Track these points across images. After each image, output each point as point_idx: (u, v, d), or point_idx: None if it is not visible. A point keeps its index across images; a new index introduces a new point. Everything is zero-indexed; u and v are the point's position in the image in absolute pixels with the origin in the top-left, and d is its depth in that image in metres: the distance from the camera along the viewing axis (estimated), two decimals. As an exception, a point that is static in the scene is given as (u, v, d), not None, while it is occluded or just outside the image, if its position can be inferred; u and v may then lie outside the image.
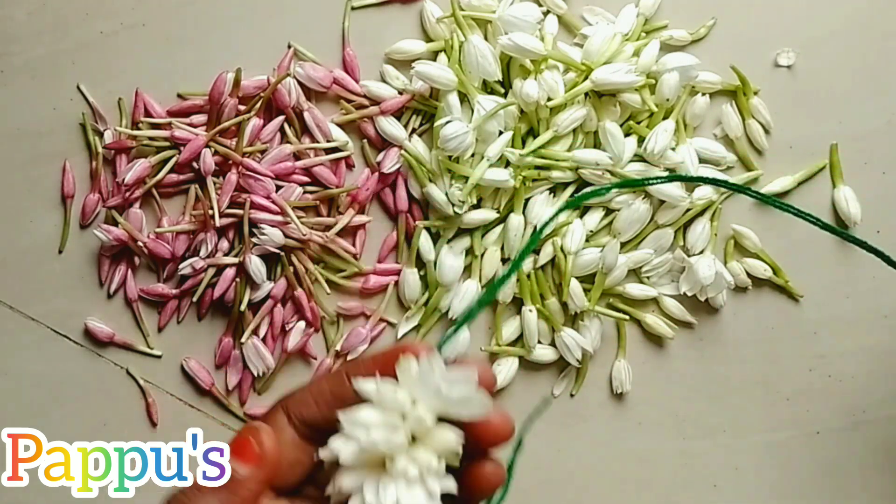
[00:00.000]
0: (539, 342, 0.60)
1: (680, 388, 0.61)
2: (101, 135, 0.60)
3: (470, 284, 0.59)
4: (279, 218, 0.57)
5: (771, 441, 0.61)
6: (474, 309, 0.41)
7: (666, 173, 0.59)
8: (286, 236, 0.58)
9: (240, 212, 0.57)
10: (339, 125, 0.60)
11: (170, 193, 0.60)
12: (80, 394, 0.60)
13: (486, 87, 0.59)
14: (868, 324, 0.61)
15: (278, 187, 0.59)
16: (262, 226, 0.57)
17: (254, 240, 0.58)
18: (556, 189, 0.59)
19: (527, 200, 0.58)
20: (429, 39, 0.60)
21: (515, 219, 0.58)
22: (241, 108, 0.59)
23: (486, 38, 0.58)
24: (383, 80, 0.60)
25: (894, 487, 0.61)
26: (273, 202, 0.58)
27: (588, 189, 0.58)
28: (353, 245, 0.60)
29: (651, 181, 0.55)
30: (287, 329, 0.60)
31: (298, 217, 0.58)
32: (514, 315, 0.60)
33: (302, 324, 0.60)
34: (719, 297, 0.60)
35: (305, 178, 0.59)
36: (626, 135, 0.58)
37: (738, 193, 0.60)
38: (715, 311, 0.61)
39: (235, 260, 0.58)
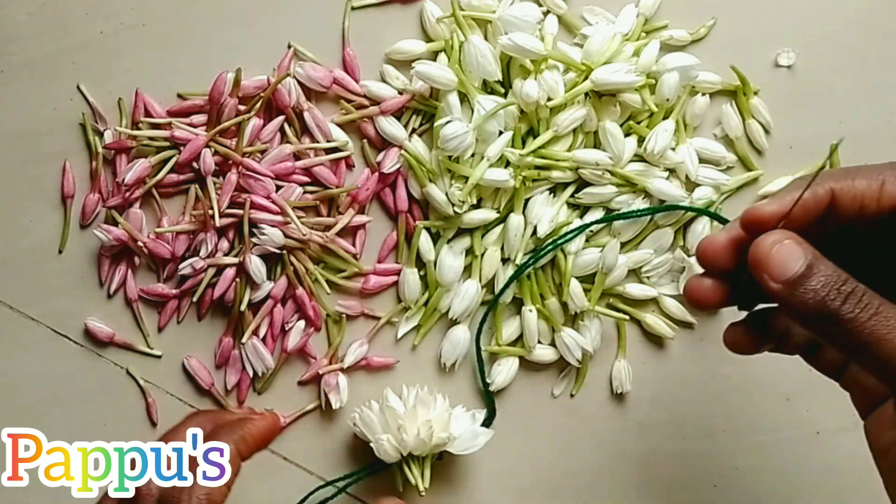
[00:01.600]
0: (539, 342, 0.60)
1: (680, 388, 0.61)
2: (101, 135, 0.60)
3: (470, 284, 0.59)
4: (279, 218, 0.57)
5: (771, 441, 0.61)
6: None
7: (665, 174, 0.59)
8: (286, 236, 0.58)
9: (240, 212, 0.57)
10: (339, 125, 0.60)
11: (170, 193, 0.60)
12: (80, 394, 0.60)
13: (486, 87, 0.59)
14: (868, 324, 0.61)
15: (278, 187, 0.59)
16: (262, 226, 0.57)
17: (254, 240, 0.58)
18: (556, 189, 0.59)
19: (527, 200, 0.58)
20: (429, 39, 0.60)
21: (515, 219, 0.58)
22: (241, 108, 0.59)
23: (486, 38, 0.58)
24: (383, 80, 0.60)
25: (894, 487, 0.61)
26: (273, 202, 0.58)
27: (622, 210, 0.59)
28: (353, 245, 0.60)
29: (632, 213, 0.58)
30: (287, 329, 0.60)
31: (298, 217, 0.58)
32: (514, 315, 0.60)
33: (301, 323, 0.60)
34: (719, 297, 0.60)
35: (305, 178, 0.59)
36: (626, 135, 0.58)
37: (737, 193, 0.60)
38: (715, 311, 0.61)
39: (235, 260, 0.58)
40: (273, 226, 0.57)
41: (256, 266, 0.58)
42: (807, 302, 0.36)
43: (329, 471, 0.60)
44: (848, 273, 0.37)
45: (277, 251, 0.58)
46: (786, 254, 0.37)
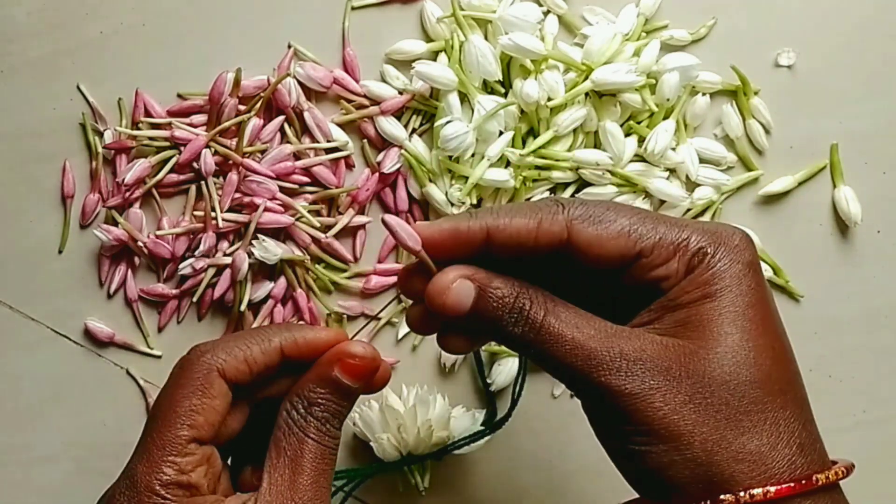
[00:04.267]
0: (539, 342, 0.59)
1: (680, 388, 0.61)
2: (101, 135, 0.60)
3: (470, 284, 0.59)
4: (285, 219, 0.57)
5: (771, 441, 0.60)
6: None
7: (666, 174, 0.59)
8: (289, 238, 0.58)
9: (242, 218, 0.57)
10: (339, 125, 0.60)
11: (170, 193, 0.60)
12: (80, 394, 0.60)
13: (487, 87, 0.59)
14: (868, 324, 0.61)
15: (279, 188, 0.59)
16: (262, 237, 0.57)
17: (253, 249, 0.57)
18: (556, 189, 0.59)
19: (527, 200, 0.58)
20: (429, 39, 0.59)
21: (515, 219, 0.58)
22: (241, 108, 0.59)
23: (486, 38, 0.58)
24: (383, 80, 0.60)
25: (894, 487, 0.61)
26: (281, 203, 0.58)
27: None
28: (354, 245, 0.60)
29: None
30: (287, 329, 0.60)
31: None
32: (514, 315, 0.60)
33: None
34: (719, 297, 0.60)
35: (305, 178, 0.59)
36: (627, 135, 0.58)
37: (737, 193, 0.60)
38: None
39: (235, 260, 0.58)
40: (275, 232, 0.57)
41: (241, 263, 0.57)
42: (487, 325, 0.41)
43: (329, 471, 0.60)
44: (526, 284, 0.41)
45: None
46: (457, 293, 0.40)
